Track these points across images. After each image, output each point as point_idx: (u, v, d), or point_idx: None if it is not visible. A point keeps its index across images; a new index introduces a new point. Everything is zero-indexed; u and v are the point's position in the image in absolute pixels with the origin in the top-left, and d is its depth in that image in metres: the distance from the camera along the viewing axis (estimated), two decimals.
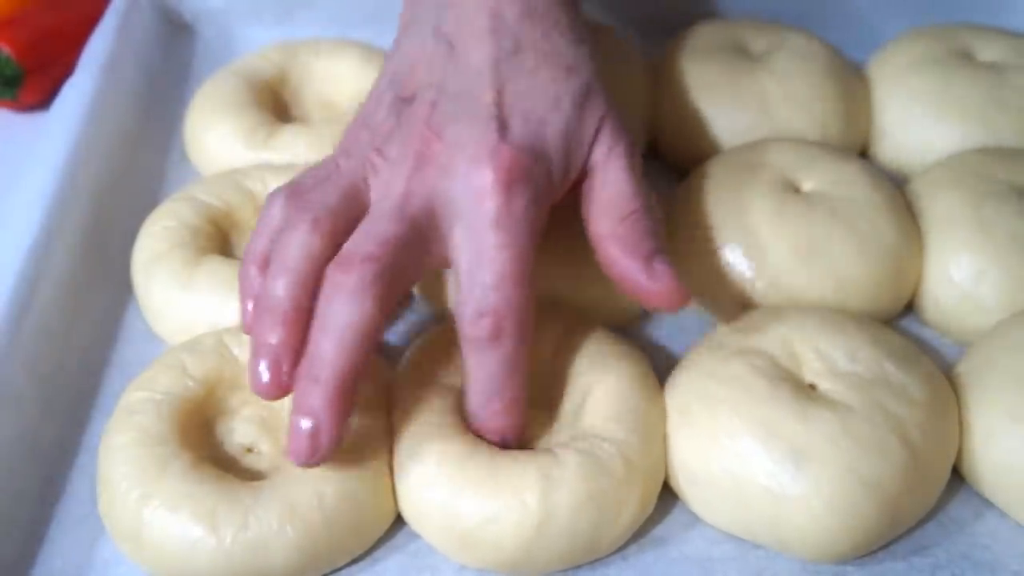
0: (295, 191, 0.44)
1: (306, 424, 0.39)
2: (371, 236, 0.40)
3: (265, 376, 0.41)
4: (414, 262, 0.41)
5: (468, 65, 0.44)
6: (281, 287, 0.41)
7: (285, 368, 0.41)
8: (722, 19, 0.65)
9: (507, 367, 0.41)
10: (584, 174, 0.44)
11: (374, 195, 0.43)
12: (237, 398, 0.46)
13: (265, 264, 0.43)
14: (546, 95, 0.43)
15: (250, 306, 0.44)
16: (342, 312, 0.39)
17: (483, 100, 0.43)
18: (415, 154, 0.42)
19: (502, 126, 0.42)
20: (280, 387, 0.41)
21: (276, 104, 0.62)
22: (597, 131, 0.44)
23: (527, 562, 0.41)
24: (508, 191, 0.40)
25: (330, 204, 0.42)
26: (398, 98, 0.44)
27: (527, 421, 0.44)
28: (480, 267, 0.40)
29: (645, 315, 0.53)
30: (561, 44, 0.45)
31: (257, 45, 0.65)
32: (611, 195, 0.43)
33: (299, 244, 0.41)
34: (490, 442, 0.43)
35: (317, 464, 0.40)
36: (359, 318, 0.39)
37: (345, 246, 0.41)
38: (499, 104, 0.42)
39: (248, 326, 0.44)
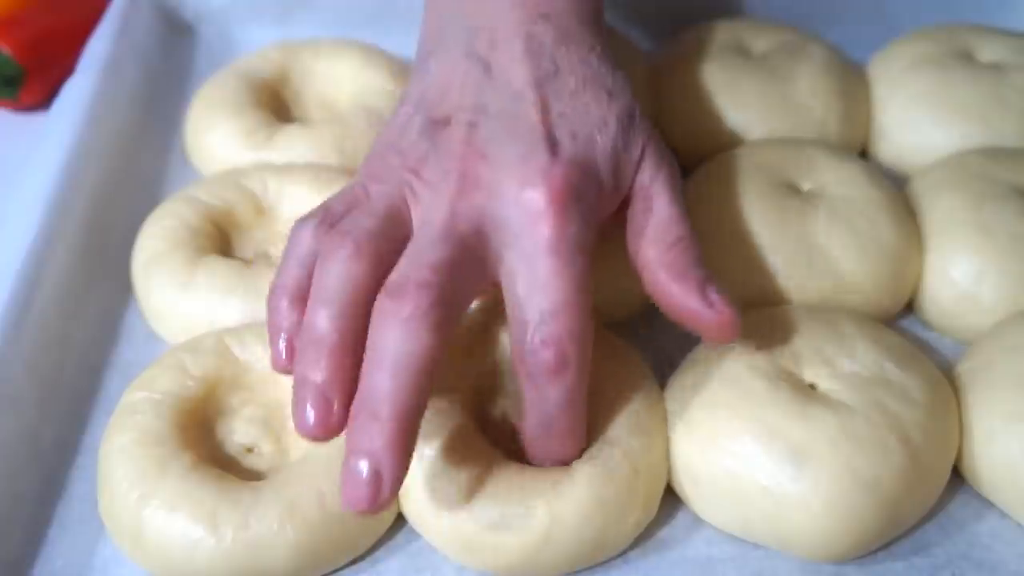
0: (326, 219, 0.41)
1: (364, 466, 0.35)
2: (422, 261, 0.38)
3: (312, 416, 0.37)
4: (469, 286, 0.39)
5: (508, 85, 0.42)
6: (324, 319, 0.38)
7: (335, 407, 0.37)
8: (722, 19, 0.65)
9: (569, 398, 0.39)
10: (628, 199, 0.43)
11: (416, 220, 0.41)
12: (237, 398, 0.46)
13: (297, 296, 0.41)
14: (591, 116, 0.42)
15: (282, 343, 0.41)
16: (399, 344, 0.36)
17: (529, 120, 0.41)
18: (458, 176, 0.40)
19: (552, 145, 0.40)
20: (329, 428, 0.37)
21: (276, 104, 0.62)
22: (641, 156, 0.43)
23: (532, 567, 0.41)
24: (563, 213, 0.39)
25: (371, 228, 0.40)
26: (430, 120, 0.42)
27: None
28: (538, 294, 0.38)
29: (644, 314, 0.53)
30: (600, 69, 0.44)
31: (257, 45, 0.65)
32: (658, 221, 0.42)
33: (341, 272, 0.39)
34: (544, 466, 0.42)
35: (376, 512, 0.36)
36: (418, 349, 0.36)
37: (394, 273, 0.38)
38: (546, 123, 0.41)
39: (282, 364, 0.41)
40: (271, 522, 0.40)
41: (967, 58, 0.60)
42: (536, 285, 0.39)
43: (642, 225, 0.42)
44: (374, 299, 0.38)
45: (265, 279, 0.49)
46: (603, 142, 0.42)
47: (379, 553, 0.43)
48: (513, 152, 0.40)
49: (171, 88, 0.66)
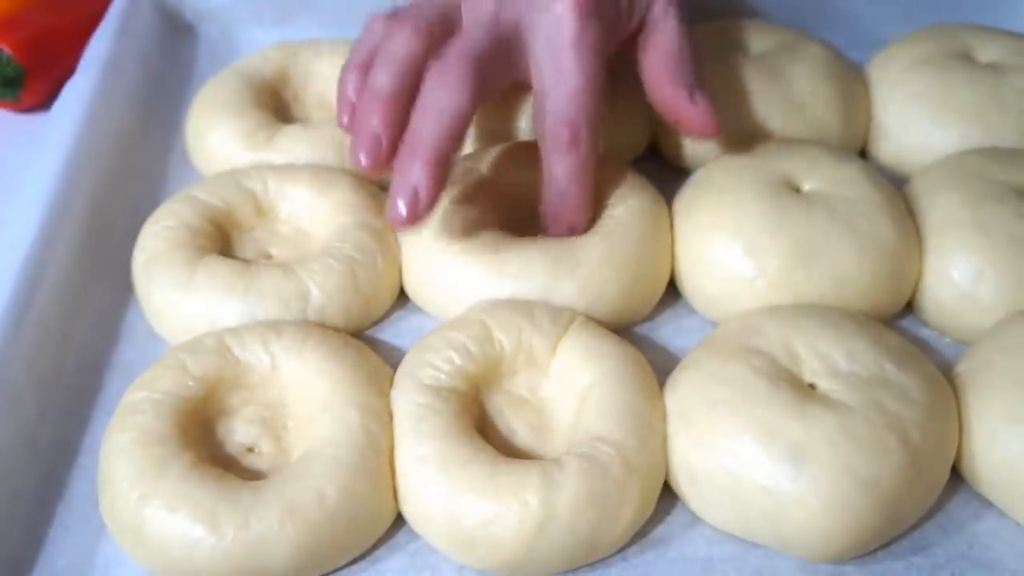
0: (395, 12, 0.51)
1: (408, 191, 0.45)
2: (468, 41, 0.47)
3: (364, 155, 0.46)
4: (501, 70, 0.48)
5: None
6: (384, 78, 0.48)
7: (384, 147, 0.46)
8: (723, 19, 0.65)
9: (581, 168, 0.49)
10: (643, 26, 0.52)
11: (466, 16, 0.51)
12: (238, 398, 0.46)
13: (364, 69, 0.50)
14: None
15: (345, 119, 0.51)
16: (441, 98, 0.46)
17: None
18: None
19: None
20: (379, 163, 0.47)
21: (277, 104, 0.62)
22: None
23: (528, 563, 0.41)
24: (584, 19, 0.48)
25: (429, 17, 0.50)
26: None
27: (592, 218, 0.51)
28: (559, 83, 0.48)
29: (644, 315, 0.53)
30: None
31: (258, 46, 0.65)
32: (664, 41, 0.52)
33: (401, 45, 0.48)
34: (559, 233, 0.51)
35: (413, 227, 0.46)
36: (456, 103, 0.45)
37: (444, 48, 0.47)
38: None
39: (344, 123, 0.51)
40: (271, 522, 0.40)
41: (966, 59, 0.60)
42: (557, 75, 0.48)
43: (652, 44, 0.52)
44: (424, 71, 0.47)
45: (265, 279, 0.50)
46: None
47: (379, 553, 0.43)
48: None
49: (171, 88, 0.66)
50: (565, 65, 0.48)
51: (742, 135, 0.58)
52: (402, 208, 0.45)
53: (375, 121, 0.47)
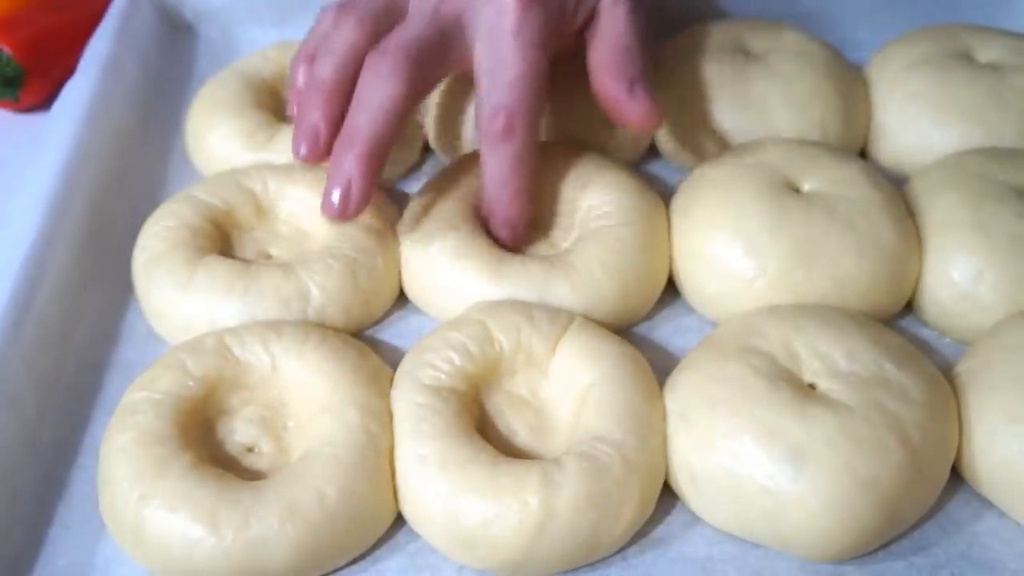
0: (343, 3, 0.51)
1: (340, 184, 0.46)
2: (406, 32, 0.47)
3: (303, 147, 0.48)
4: (440, 60, 0.48)
5: None
6: (325, 70, 0.48)
7: (323, 139, 0.48)
8: (722, 19, 0.65)
9: (517, 160, 0.48)
10: (591, 19, 0.51)
11: (411, 6, 0.50)
12: (238, 398, 0.46)
13: (311, 60, 0.50)
14: None
15: (293, 109, 0.51)
16: (376, 91, 0.46)
17: None
18: None
19: None
20: (318, 155, 0.48)
21: (277, 104, 0.62)
22: None
23: (528, 563, 0.41)
24: (525, 9, 0.47)
25: (373, 9, 0.50)
26: None
27: (533, 220, 0.51)
28: (497, 71, 0.47)
29: (645, 315, 0.53)
30: None
31: (258, 46, 0.65)
32: (609, 34, 0.50)
33: (344, 37, 0.49)
34: (501, 238, 0.51)
35: (346, 220, 0.47)
36: (391, 95, 0.46)
37: (383, 40, 0.47)
38: None
39: (291, 113, 0.51)
40: (271, 522, 0.40)
41: (966, 59, 0.60)
42: (498, 65, 0.47)
43: (598, 35, 0.51)
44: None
45: (265, 279, 0.50)
46: None
47: (379, 553, 0.43)
48: None
49: (171, 88, 0.66)
50: (505, 54, 0.47)
51: (742, 135, 0.58)
52: (335, 200, 0.46)
53: (315, 113, 0.48)
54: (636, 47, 0.50)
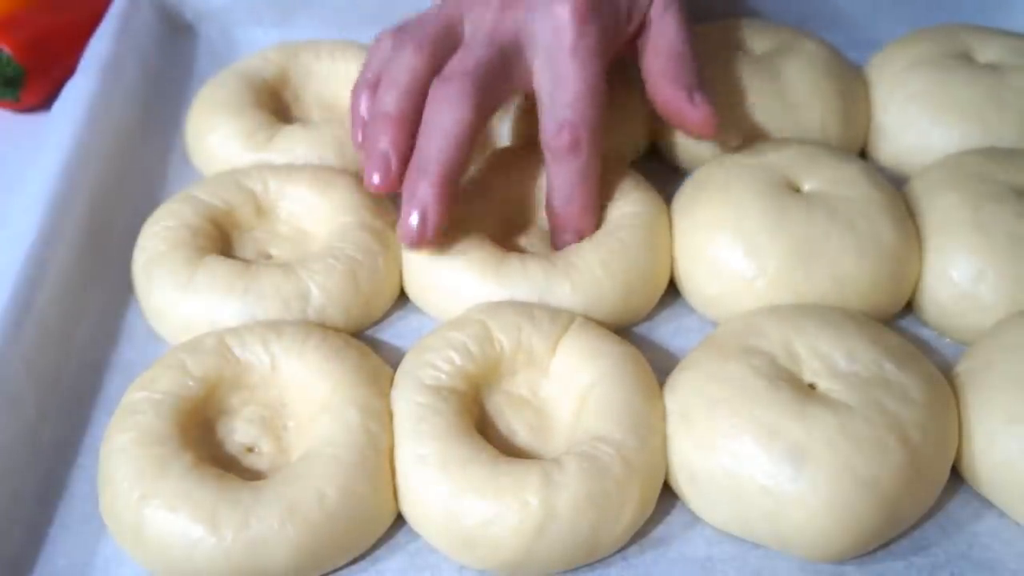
0: (402, 28, 0.52)
1: (415, 211, 0.47)
2: (468, 57, 0.48)
3: (376, 177, 0.48)
4: (503, 82, 0.49)
5: None
6: (390, 99, 0.49)
7: (394, 167, 0.48)
8: (723, 19, 0.65)
9: (582, 174, 0.49)
10: (643, 27, 0.53)
11: (468, 29, 0.51)
12: (238, 398, 0.46)
13: (373, 88, 0.51)
14: None
15: (359, 136, 0.52)
16: (445, 117, 0.47)
17: None
18: None
19: None
20: (390, 185, 0.48)
21: (277, 105, 0.62)
22: None
23: (528, 563, 0.41)
24: (583, 24, 0.48)
25: (431, 34, 0.50)
26: None
27: (599, 224, 0.52)
28: (559, 89, 0.48)
29: (645, 315, 0.53)
30: None
31: (258, 46, 0.65)
32: (665, 41, 0.52)
33: (405, 65, 0.49)
34: (560, 245, 0.52)
35: (423, 247, 0.48)
36: (460, 120, 0.47)
37: (446, 67, 0.49)
38: None
39: (357, 144, 0.52)
40: (271, 522, 0.40)
41: (966, 59, 0.60)
42: (558, 82, 0.49)
43: (652, 45, 0.53)
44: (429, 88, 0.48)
45: (265, 279, 0.50)
46: None
47: (379, 553, 0.43)
48: None
49: (171, 88, 0.66)
50: (565, 71, 0.48)
51: (742, 135, 0.58)
52: (414, 225, 0.47)
53: (384, 142, 0.48)
54: (689, 53, 0.52)
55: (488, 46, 0.49)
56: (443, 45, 0.50)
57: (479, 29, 0.50)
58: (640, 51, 0.53)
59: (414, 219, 0.47)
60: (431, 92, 0.48)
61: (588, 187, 0.50)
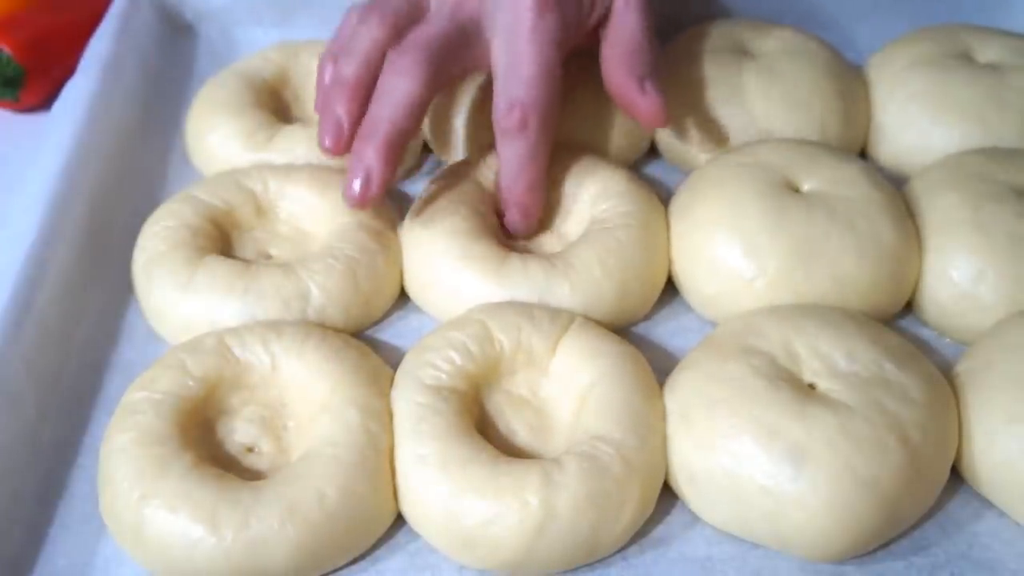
0: (369, 3, 0.53)
1: (360, 174, 0.48)
2: (427, 30, 0.50)
3: (328, 139, 0.50)
4: (459, 59, 0.50)
5: None
6: (348, 67, 0.51)
7: (346, 131, 0.50)
8: (722, 19, 0.65)
9: (530, 153, 0.50)
10: (605, 18, 0.53)
11: (433, 4, 0.52)
12: (238, 398, 0.46)
13: (336, 59, 0.52)
14: None
15: (320, 94, 0.53)
16: (396, 86, 0.48)
17: None
18: None
19: None
20: (341, 147, 0.50)
21: (277, 105, 0.62)
22: None
23: (528, 563, 0.41)
24: (543, 12, 0.49)
25: (395, 6, 0.52)
26: None
27: (544, 209, 0.53)
28: (514, 68, 0.49)
29: (644, 315, 0.53)
30: None
31: (258, 46, 0.65)
32: (623, 32, 0.53)
33: (367, 35, 0.51)
34: (513, 227, 0.53)
35: (365, 208, 0.50)
36: (410, 92, 0.48)
37: (405, 37, 0.50)
38: None
39: (319, 106, 0.53)
40: (271, 522, 0.40)
41: (966, 59, 0.60)
42: (513, 63, 0.50)
43: (611, 34, 0.53)
44: None
45: (265, 279, 0.50)
46: None
47: (379, 553, 0.43)
48: None
49: (171, 88, 0.66)
50: (521, 52, 0.49)
51: (742, 135, 0.58)
52: (356, 188, 0.49)
53: (339, 108, 0.50)
54: (647, 45, 0.53)
55: (449, 20, 0.50)
56: (407, 18, 0.52)
57: (444, 4, 0.52)
58: (600, 41, 0.54)
59: (358, 183, 0.48)
60: (386, 62, 0.50)
61: (535, 167, 0.51)
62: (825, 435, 0.41)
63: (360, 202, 0.49)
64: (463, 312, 0.48)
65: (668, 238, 0.53)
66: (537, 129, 0.50)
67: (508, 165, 0.51)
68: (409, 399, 0.44)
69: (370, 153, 0.48)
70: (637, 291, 0.51)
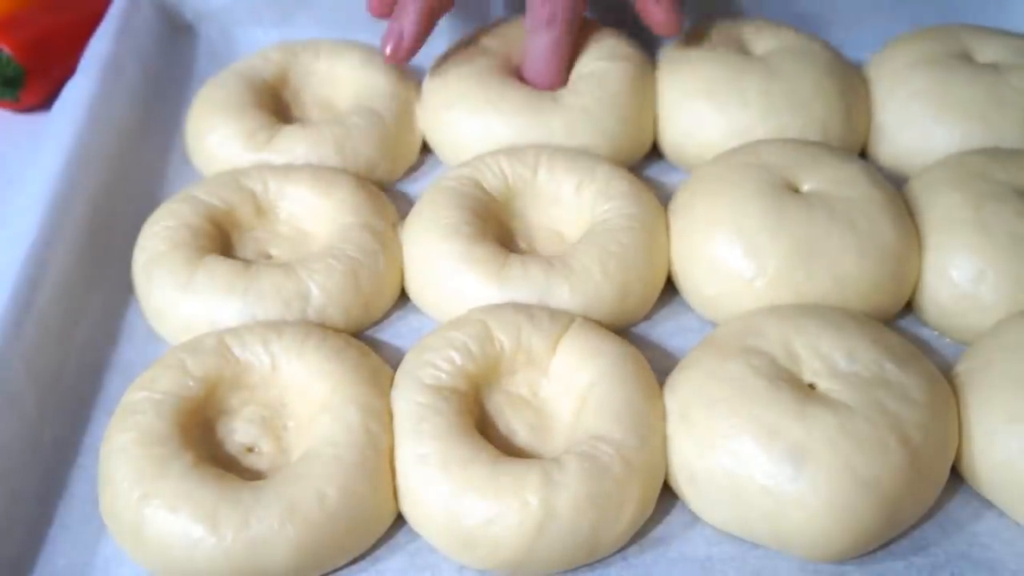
0: None
1: (395, 32, 0.58)
2: None
3: (389, 48, 0.58)
4: None
5: None
6: None
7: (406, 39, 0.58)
8: (722, 19, 0.65)
9: (557, 43, 0.59)
10: None
11: None
12: (238, 398, 0.46)
13: None
14: None
15: (375, 5, 0.60)
16: None
17: None
18: None
19: None
20: (385, 12, 0.59)
21: (277, 105, 0.62)
22: None
23: (528, 562, 0.41)
24: None
25: None
26: None
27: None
28: None
29: (644, 315, 0.53)
30: None
31: (258, 46, 0.65)
32: None
33: None
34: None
35: (399, 61, 0.58)
36: None
37: None
38: None
39: (377, 11, 0.60)
40: (271, 521, 0.40)
41: (966, 58, 0.60)
42: None
43: None
44: None
45: (265, 279, 0.50)
46: None
47: (379, 553, 0.43)
48: None
49: (171, 88, 0.66)
50: None
51: (743, 135, 0.58)
52: (389, 46, 0.57)
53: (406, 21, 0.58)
54: None
55: None
56: None
57: None
58: None
59: (393, 39, 0.57)
60: None
61: (559, 55, 0.60)
62: (825, 435, 0.41)
63: (392, 57, 0.58)
64: (463, 312, 0.48)
65: (668, 239, 0.53)
66: (563, 24, 0.58)
67: (536, 52, 0.59)
68: (409, 399, 0.44)
69: (405, 17, 0.57)
70: (637, 293, 0.51)
